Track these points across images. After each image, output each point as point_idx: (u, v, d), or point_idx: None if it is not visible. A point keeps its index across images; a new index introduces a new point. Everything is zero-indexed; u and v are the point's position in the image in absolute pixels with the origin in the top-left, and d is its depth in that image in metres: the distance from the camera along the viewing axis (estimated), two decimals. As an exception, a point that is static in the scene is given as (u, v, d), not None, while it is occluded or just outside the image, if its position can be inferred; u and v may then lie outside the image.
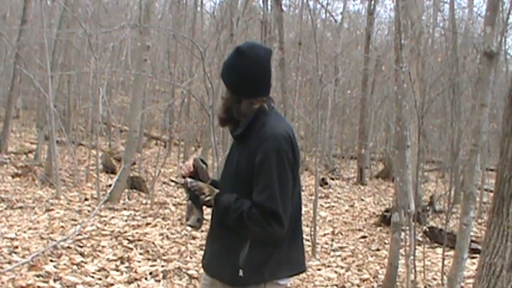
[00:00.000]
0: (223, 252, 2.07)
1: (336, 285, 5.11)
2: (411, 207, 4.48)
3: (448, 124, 9.78)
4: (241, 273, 1.99)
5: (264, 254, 2.01)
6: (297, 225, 2.15)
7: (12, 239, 5.35)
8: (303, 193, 10.80)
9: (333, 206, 9.82)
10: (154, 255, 5.23)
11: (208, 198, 2.08)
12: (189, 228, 5.71)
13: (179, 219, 6.92)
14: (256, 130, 2.04)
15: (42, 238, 5.50)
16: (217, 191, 2.11)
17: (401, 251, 5.11)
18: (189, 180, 2.12)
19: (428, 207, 8.80)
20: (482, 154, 5.12)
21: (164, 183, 10.07)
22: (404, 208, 4.58)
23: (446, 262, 5.21)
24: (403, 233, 5.38)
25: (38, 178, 9.17)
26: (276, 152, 1.96)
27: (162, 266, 4.88)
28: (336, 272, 5.57)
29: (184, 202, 6.87)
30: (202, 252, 2.41)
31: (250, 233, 1.99)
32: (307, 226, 7.54)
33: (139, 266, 4.84)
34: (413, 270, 4.68)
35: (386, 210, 8.03)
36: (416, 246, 5.06)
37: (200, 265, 2.30)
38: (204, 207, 2.19)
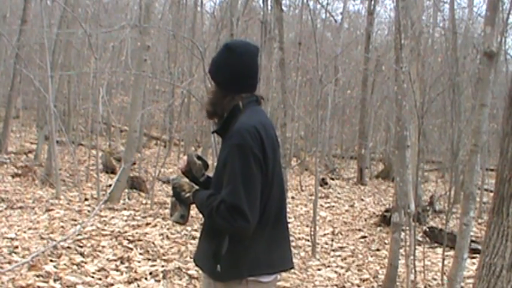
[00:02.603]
0: (205, 246, 2.13)
1: (336, 285, 5.11)
2: (411, 207, 4.47)
3: (448, 124, 9.77)
4: (218, 268, 2.03)
5: (241, 250, 2.03)
6: (279, 222, 2.15)
7: (12, 239, 5.35)
8: (303, 193, 10.86)
9: (333, 206, 9.82)
10: (154, 255, 5.23)
11: (187, 195, 2.17)
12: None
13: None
14: (231, 127, 2.09)
15: (42, 238, 5.50)
16: (196, 187, 2.18)
17: (401, 251, 5.11)
18: (171, 177, 2.23)
19: (428, 207, 8.80)
20: (482, 154, 5.12)
21: (164, 183, 10.07)
22: (404, 208, 4.57)
23: (446, 262, 5.21)
24: (403, 233, 5.38)
25: (38, 178, 9.17)
26: (239, 147, 1.97)
27: (162, 266, 4.88)
28: (336, 272, 5.57)
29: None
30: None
31: (220, 228, 2.01)
32: (307, 226, 7.55)
33: (140, 266, 4.84)
34: (413, 270, 4.68)
35: (387, 210, 8.03)
36: (416, 246, 5.06)
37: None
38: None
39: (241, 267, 2.04)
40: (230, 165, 1.97)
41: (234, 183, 1.95)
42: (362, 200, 10.85)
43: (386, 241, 6.95)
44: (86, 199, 7.96)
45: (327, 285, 5.09)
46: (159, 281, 4.53)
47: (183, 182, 2.20)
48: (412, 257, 4.67)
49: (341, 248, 6.73)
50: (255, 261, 2.05)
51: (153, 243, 5.63)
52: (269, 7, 11.42)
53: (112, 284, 4.36)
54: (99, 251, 5.16)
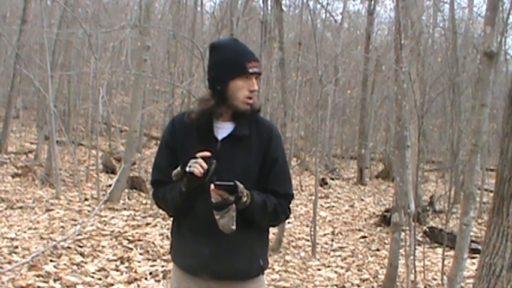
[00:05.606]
0: (240, 251, 2.02)
1: (336, 285, 5.11)
2: (411, 207, 4.47)
3: (448, 124, 9.77)
4: (261, 262, 2.10)
5: (267, 240, 2.19)
6: None
7: (12, 239, 5.35)
8: (302, 193, 10.85)
9: (333, 206, 9.81)
10: (154, 255, 5.23)
11: (245, 199, 1.95)
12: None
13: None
14: (253, 127, 2.07)
15: (42, 238, 5.50)
16: (245, 189, 1.97)
17: (401, 251, 5.11)
18: (237, 182, 1.92)
19: (428, 207, 8.80)
20: (482, 154, 5.12)
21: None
22: (404, 208, 4.57)
23: (446, 262, 5.21)
24: (403, 233, 5.38)
25: (38, 178, 9.17)
26: (282, 144, 2.18)
27: (162, 266, 4.88)
28: (336, 272, 5.56)
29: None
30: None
31: (272, 222, 2.12)
32: (307, 226, 7.55)
33: (139, 266, 4.84)
34: (413, 270, 4.68)
35: (386, 210, 8.02)
36: (416, 246, 5.06)
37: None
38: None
39: (267, 255, 2.18)
40: (284, 163, 2.14)
41: (289, 177, 2.16)
42: (362, 200, 10.85)
43: (386, 241, 6.94)
44: (86, 199, 7.96)
45: (327, 285, 5.09)
46: (159, 281, 4.53)
47: (242, 186, 1.93)
48: (412, 257, 4.67)
49: (341, 248, 6.73)
50: (268, 246, 2.23)
51: (153, 243, 5.63)
52: (269, 7, 11.41)
53: (112, 284, 4.36)
54: (99, 251, 5.16)
